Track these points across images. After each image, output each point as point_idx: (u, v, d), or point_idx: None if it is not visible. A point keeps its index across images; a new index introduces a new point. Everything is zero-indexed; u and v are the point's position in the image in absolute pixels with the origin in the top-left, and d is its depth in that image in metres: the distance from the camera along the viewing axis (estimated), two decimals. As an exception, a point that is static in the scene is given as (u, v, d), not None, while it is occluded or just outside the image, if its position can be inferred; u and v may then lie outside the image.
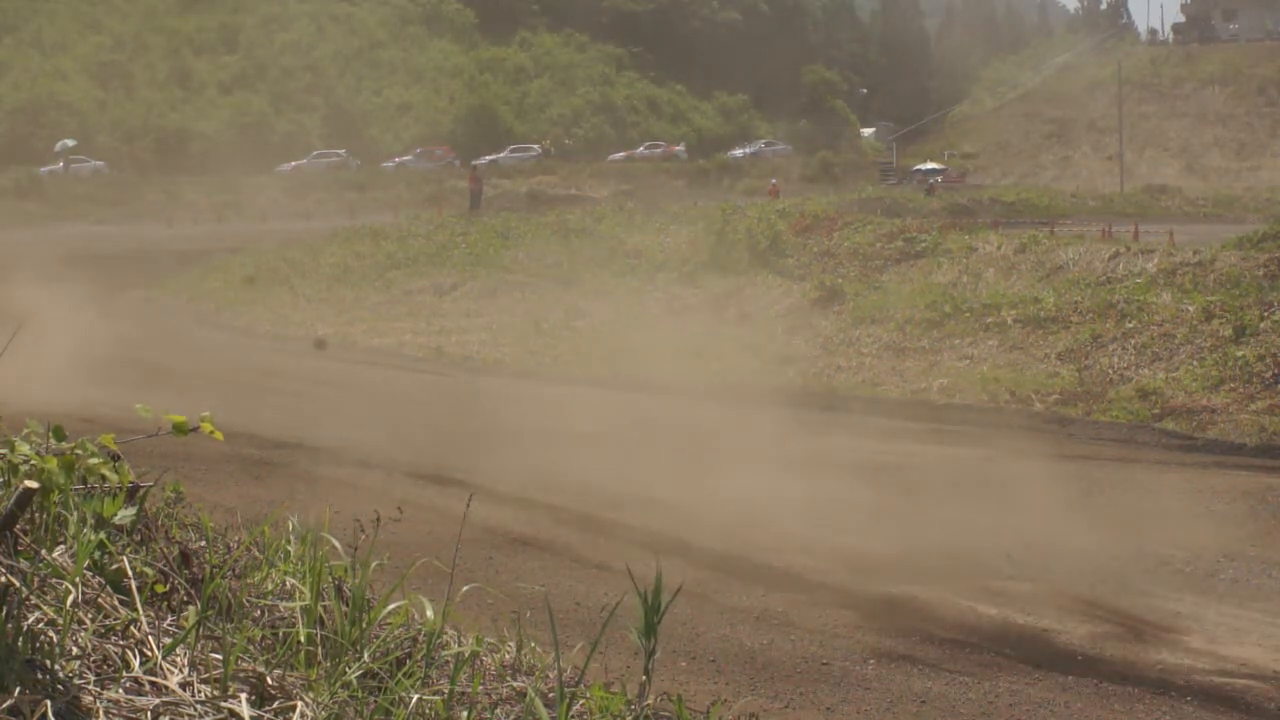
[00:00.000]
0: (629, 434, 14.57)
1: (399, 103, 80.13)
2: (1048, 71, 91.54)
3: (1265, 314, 17.71)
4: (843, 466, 12.95)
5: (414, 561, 4.27)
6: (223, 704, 2.85)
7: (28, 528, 3.26)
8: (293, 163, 71.20)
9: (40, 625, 2.85)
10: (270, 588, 3.75)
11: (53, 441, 3.54)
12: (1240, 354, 16.70)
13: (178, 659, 2.98)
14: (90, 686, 2.76)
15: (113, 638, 3.00)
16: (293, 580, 3.78)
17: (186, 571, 3.55)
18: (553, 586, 8.19)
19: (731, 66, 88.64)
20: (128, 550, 3.41)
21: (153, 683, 2.86)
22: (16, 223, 50.01)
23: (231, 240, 41.22)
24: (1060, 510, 11.33)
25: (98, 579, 3.20)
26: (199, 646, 3.08)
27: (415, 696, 3.20)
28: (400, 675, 3.33)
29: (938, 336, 20.50)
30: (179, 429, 3.74)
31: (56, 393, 14.64)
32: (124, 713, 2.73)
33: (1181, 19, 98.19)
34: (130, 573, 3.22)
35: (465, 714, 3.23)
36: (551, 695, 3.37)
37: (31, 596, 2.90)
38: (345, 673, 3.25)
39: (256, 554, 4.01)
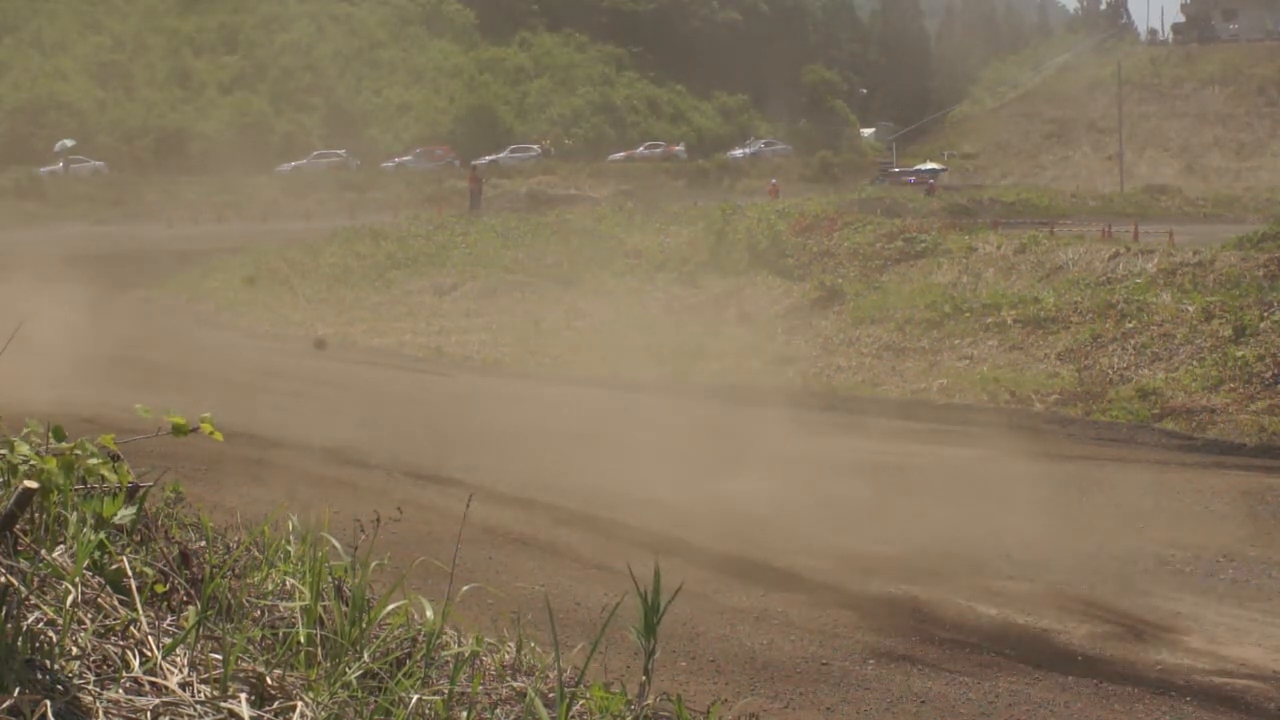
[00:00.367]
0: (629, 434, 14.57)
1: (399, 103, 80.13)
2: (1047, 71, 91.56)
3: (1265, 314, 17.71)
4: (842, 466, 12.95)
5: (414, 561, 4.27)
6: (223, 704, 2.85)
7: (27, 528, 3.26)
8: (293, 163, 71.21)
9: (40, 625, 2.85)
10: (270, 588, 3.74)
11: (52, 441, 3.54)
12: (1240, 354, 16.70)
13: (178, 659, 2.98)
14: (90, 686, 2.76)
15: (112, 638, 3.00)
16: (293, 580, 3.78)
17: (186, 571, 3.55)
18: (553, 586, 8.19)
19: (731, 66, 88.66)
20: (127, 550, 3.41)
21: (153, 683, 2.86)
22: (16, 223, 49.98)
23: (231, 240, 41.20)
24: (1060, 510, 11.33)
25: (97, 579, 3.20)
26: (199, 646, 3.07)
27: (415, 696, 3.20)
28: (400, 675, 3.33)
29: (938, 336, 20.49)
30: (179, 429, 3.74)
31: (56, 393, 14.64)
32: (124, 713, 2.73)
33: (1181, 19, 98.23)
34: (130, 573, 3.22)
35: (465, 714, 3.23)
36: (551, 695, 3.37)
37: (31, 596, 2.90)
38: (345, 673, 3.25)
39: (256, 554, 4.01)
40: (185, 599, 3.41)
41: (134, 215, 54.85)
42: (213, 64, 79.84)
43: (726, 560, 9.44)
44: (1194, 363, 17.14)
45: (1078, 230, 33.47)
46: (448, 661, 3.53)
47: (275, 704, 2.98)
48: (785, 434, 14.73)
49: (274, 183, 65.48)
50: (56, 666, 2.75)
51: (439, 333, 24.76)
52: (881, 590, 8.81)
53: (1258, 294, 19.01)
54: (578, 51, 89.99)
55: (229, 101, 76.74)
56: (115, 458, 3.64)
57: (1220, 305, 18.41)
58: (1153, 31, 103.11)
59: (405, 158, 73.92)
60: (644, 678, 3.38)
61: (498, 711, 3.39)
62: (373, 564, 3.96)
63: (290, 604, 3.57)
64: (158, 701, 2.79)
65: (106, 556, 3.26)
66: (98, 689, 2.77)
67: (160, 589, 3.37)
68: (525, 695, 3.40)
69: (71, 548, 3.21)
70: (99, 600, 3.13)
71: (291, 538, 4.13)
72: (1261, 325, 17.37)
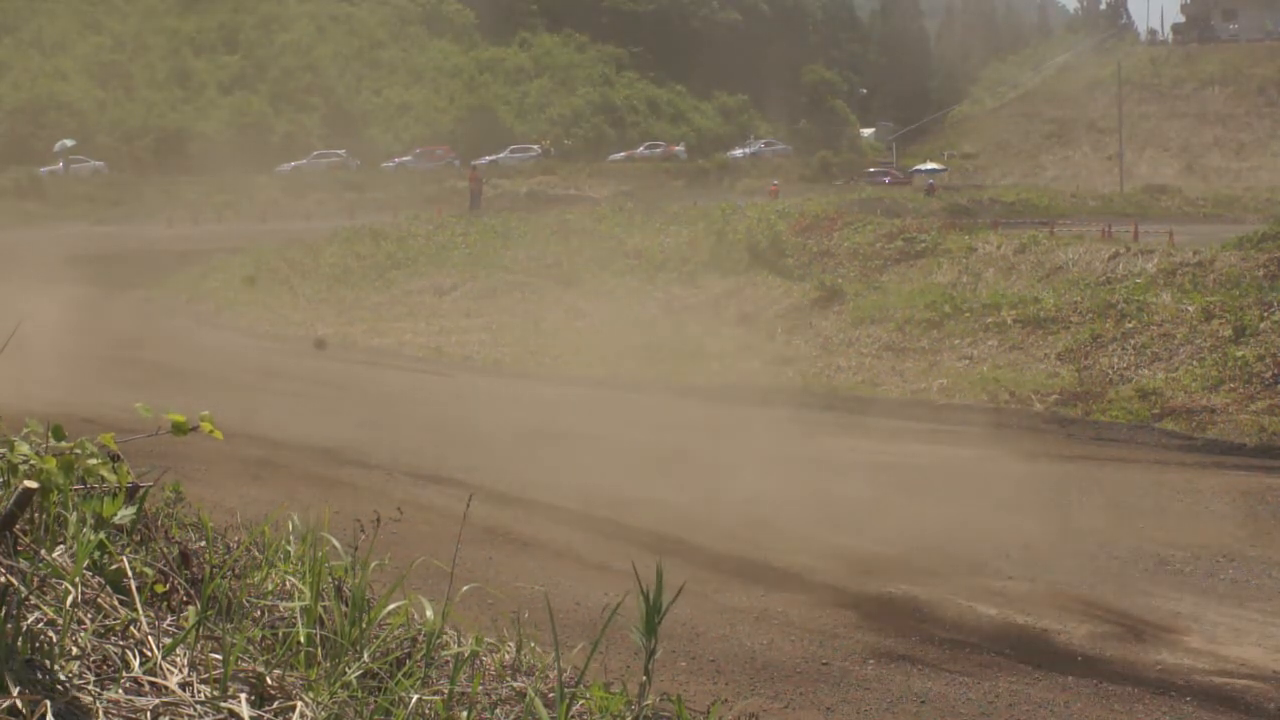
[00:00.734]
0: (629, 434, 14.58)
1: (399, 103, 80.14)
2: (1047, 71, 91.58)
3: (1265, 314, 17.71)
4: (842, 466, 12.95)
5: (414, 561, 4.27)
6: (222, 704, 2.85)
7: (27, 528, 3.26)
8: (293, 163, 71.21)
9: (40, 625, 2.85)
10: (270, 588, 3.74)
11: (52, 441, 3.54)
12: (1240, 354, 16.70)
13: (177, 659, 2.98)
14: (90, 686, 2.76)
15: (112, 638, 3.00)
16: (293, 580, 3.78)
17: (186, 571, 3.55)
18: (553, 586, 8.18)
19: (731, 66, 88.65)
20: (127, 550, 3.41)
21: (152, 683, 2.86)
22: (16, 223, 50.01)
23: (231, 240, 41.20)
24: (1060, 510, 11.34)
25: (97, 579, 3.20)
26: (199, 646, 3.07)
27: (415, 696, 3.20)
28: (400, 675, 3.33)
29: (937, 336, 20.49)
30: (178, 428, 3.74)
31: (56, 392, 14.65)
32: (124, 713, 2.73)
33: (1181, 19, 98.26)
34: (130, 573, 3.22)
35: (465, 714, 3.23)
36: (551, 695, 3.37)
37: (31, 596, 2.90)
38: (345, 673, 3.25)
39: (256, 554, 4.01)
40: (185, 599, 3.41)
41: (134, 215, 54.85)
42: (213, 64, 79.84)
43: (726, 560, 9.44)
44: (1194, 363, 17.14)
45: (1078, 230, 33.48)
46: (448, 661, 3.53)
47: (275, 704, 2.97)
48: (785, 434, 14.74)
49: (274, 183, 65.50)
50: (56, 666, 2.75)
51: (439, 333, 24.76)
52: (881, 590, 8.81)
53: (1258, 294, 19.01)
54: (578, 51, 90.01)
55: (229, 101, 76.76)
56: (115, 457, 3.63)
57: (1220, 305, 18.41)
58: (1153, 31, 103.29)
59: (405, 158, 73.93)
60: (644, 678, 3.38)
61: (498, 711, 3.39)
62: (373, 564, 3.96)
63: (290, 604, 3.57)
64: (158, 701, 2.79)
65: (106, 556, 3.26)
66: (98, 689, 2.76)
67: (160, 589, 3.37)
68: (525, 695, 3.40)
69: (71, 548, 3.21)
70: (99, 600, 3.12)
71: (291, 538, 4.13)
72: (1261, 325, 17.37)
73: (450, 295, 29.52)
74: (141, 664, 2.91)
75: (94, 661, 2.90)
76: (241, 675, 3.00)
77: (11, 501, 3.02)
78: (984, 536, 10.10)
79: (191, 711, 2.80)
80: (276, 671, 3.09)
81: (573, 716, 3.39)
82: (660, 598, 3.33)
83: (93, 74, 75.49)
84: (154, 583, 3.37)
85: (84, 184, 64.60)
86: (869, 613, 8.36)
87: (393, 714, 3.13)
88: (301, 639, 3.34)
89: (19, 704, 2.60)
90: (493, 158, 74.06)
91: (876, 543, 10.03)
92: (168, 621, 3.22)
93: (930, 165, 75.06)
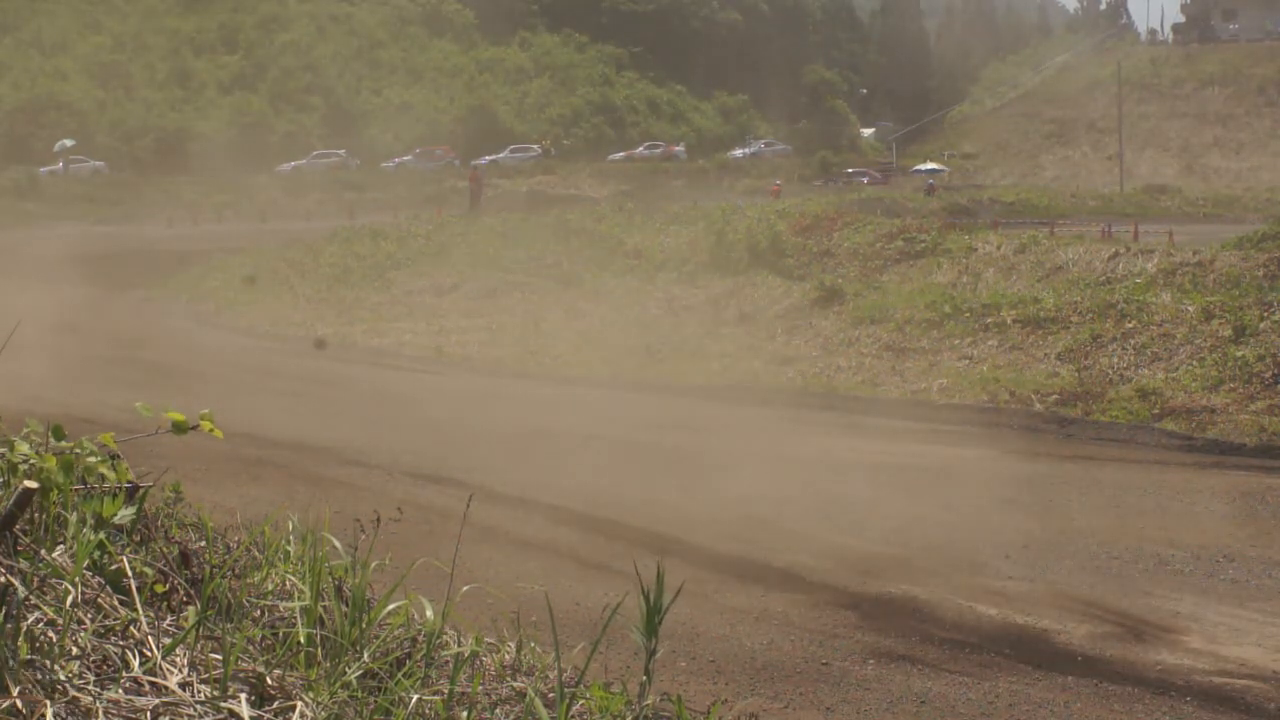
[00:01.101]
0: (628, 434, 14.58)
1: (399, 103, 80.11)
2: (1047, 71, 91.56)
3: (1265, 314, 17.71)
4: (842, 466, 12.95)
5: (414, 561, 4.26)
6: (222, 704, 2.85)
7: (27, 528, 3.26)
8: (292, 163, 71.21)
9: (40, 625, 2.85)
10: (270, 588, 3.74)
11: (52, 441, 3.54)
12: (1240, 354, 16.69)
13: (177, 659, 2.98)
14: (90, 687, 2.76)
15: (112, 638, 3.00)
16: (293, 580, 3.78)
17: (186, 571, 3.54)
18: (553, 586, 8.18)
19: (731, 66, 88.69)
20: (127, 550, 3.41)
21: (152, 683, 2.86)
22: (16, 223, 50.01)
23: (231, 240, 41.22)
24: (1059, 510, 11.34)
25: (97, 579, 3.19)
26: (199, 646, 3.07)
27: (415, 697, 3.20)
28: (400, 675, 3.33)
29: (937, 336, 20.49)
30: (178, 427, 3.74)
31: (56, 392, 14.66)
32: (124, 713, 2.73)
33: (1181, 19, 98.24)
34: (130, 573, 3.22)
35: (465, 714, 3.22)
36: (551, 695, 3.36)
37: (31, 596, 2.90)
38: (345, 673, 3.25)
39: (256, 554, 4.00)
40: (185, 599, 3.41)
41: (134, 215, 54.84)
42: (213, 64, 79.84)
43: (726, 560, 9.44)
44: (1194, 363, 17.14)
45: (1078, 230, 33.50)
46: (448, 661, 3.53)
47: (275, 704, 2.97)
48: (785, 434, 14.75)
49: (274, 183, 65.52)
50: (56, 667, 2.74)
51: (439, 333, 24.75)
52: (881, 590, 8.81)
53: (1258, 294, 19.01)
54: (578, 51, 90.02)
55: (229, 101, 76.75)
56: (115, 457, 3.64)
57: (1220, 305, 18.41)
58: (1153, 31, 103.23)
59: (405, 158, 73.93)
60: (644, 678, 3.38)
61: (498, 711, 3.39)
62: (373, 564, 3.96)
63: (290, 604, 3.56)
64: (158, 701, 2.79)
65: (106, 556, 3.26)
66: (98, 689, 2.76)
67: (160, 589, 3.37)
68: (525, 695, 3.39)
69: (71, 548, 3.20)
70: (99, 600, 3.12)
71: (291, 538, 4.12)
72: (1261, 325, 17.36)
73: (450, 295, 29.51)
74: (141, 664, 2.91)
75: (94, 661, 2.90)
76: (241, 675, 3.00)
77: (11, 501, 3.02)
78: (984, 536, 10.10)
79: (191, 711, 2.80)
80: (276, 671, 3.09)
81: (573, 716, 3.39)
82: (660, 598, 3.33)
83: (93, 74, 75.49)
84: (154, 583, 3.37)
85: (84, 184, 64.61)
86: (869, 613, 8.36)
87: (393, 714, 3.13)
88: (301, 639, 3.34)
89: (19, 704, 2.60)
90: (493, 158, 74.05)
91: (876, 543, 10.03)
92: (168, 621, 3.21)
93: (930, 165, 75.06)
